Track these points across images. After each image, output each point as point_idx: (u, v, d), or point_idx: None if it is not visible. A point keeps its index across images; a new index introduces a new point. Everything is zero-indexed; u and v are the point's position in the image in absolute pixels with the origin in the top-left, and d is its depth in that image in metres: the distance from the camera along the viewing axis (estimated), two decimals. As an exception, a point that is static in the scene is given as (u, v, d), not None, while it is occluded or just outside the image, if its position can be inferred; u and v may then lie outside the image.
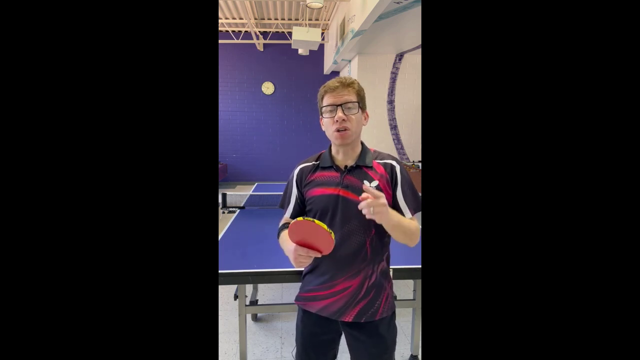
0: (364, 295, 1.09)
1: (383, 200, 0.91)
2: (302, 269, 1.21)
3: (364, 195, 0.90)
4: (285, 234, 1.10)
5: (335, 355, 1.23)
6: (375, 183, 1.07)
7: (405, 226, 1.03)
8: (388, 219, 0.95)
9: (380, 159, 1.12)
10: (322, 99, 1.07)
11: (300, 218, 0.92)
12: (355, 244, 1.06)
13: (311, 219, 0.91)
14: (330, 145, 1.15)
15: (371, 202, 0.89)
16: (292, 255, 1.00)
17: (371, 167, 1.09)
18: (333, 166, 1.10)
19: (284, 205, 1.20)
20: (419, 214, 1.01)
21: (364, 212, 0.91)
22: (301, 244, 0.98)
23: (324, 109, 1.06)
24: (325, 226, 0.91)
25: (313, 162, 1.15)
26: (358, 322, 1.11)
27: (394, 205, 1.10)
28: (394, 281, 1.23)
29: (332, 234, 0.92)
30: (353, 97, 1.04)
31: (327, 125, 1.07)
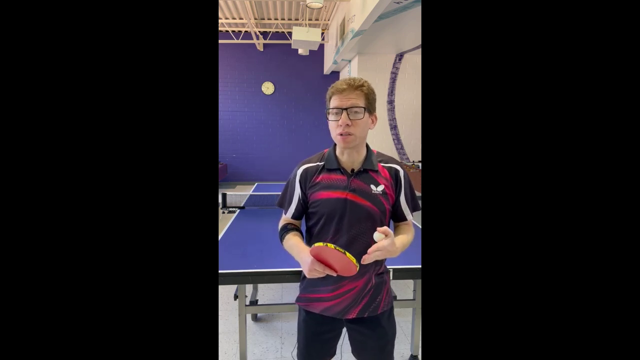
0: (366, 293, 1.12)
1: (390, 242, 0.97)
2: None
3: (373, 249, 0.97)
4: (294, 239, 1.11)
5: (335, 352, 1.23)
6: (381, 187, 1.08)
7: (407, 243, 1.10)
8: (397, 253, 1.03)
9: (385, 163, 1.13)
10: (330, 99, 1.06)
11: (332, 246, 0.93)
12: (362, 246, 1.06)
13: (342, 250, 0.92)
14: (335, 145, 1.14)
15: (383, 249, 0.96)
16: (307, 267, 1.01)
17: (377, 171, 1.10)
18: (339, 169, 1.10)
19: (283, 204, 1.19)
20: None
21: (373, 255, 0.97)
22: (319, 259, 1.00)
23: (330, 111, 1.05)
24: (354, 260, 0.93)
25: (317, 163, 1.14)
26: (361, 317, 1.13)
27: (396, 208, 1.13)
28: (394, 281, 1.24)
29: (358, 266, 0.95)
30: (360, 101, 1.03)
31: (332, 127, 1.06)
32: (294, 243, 1.09)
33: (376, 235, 0.98)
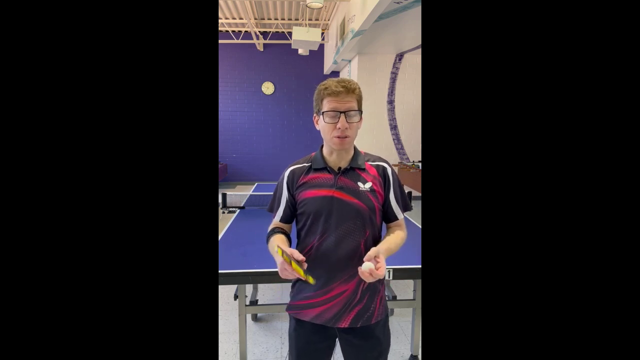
0: (359, 299, 1.09)
1: (380, 272, 0.94)
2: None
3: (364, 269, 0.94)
4: (277, 240, 1.08)
5: None
6: (369, 184, 1.08)
7: (395, 247, 1.08)
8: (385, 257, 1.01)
9: (373, 161, 1.12)
10: (322, 100, 1.04)
11: (280, 252, 0.92)
12: (350, 245, 1.06)
13: (288, 260, 0.91)
14: (322, 146, 1.13)
15: (371, 275, 0.93)
16: (279, 267, 0.99)
17: (364, 169, 1.10)
18: (326, 168, 1.09)
19: (273, 208, 1.18)
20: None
21: (365, 279, 0.95)
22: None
23: (325, 113, 1.03)
24: (300, 270, 0.92)
25: (304, 164, 1.13)
26: (354, 327, 1.10)
27: (386, 206, 1.12)
28: (394, 281, 1.23)
29: (311, 280, 0.95)
30: (355, 105, 1.03)
31: (327, 129, 1.04)
32: (273, 245, 1.06)
33: (364, 265, 0.95)
